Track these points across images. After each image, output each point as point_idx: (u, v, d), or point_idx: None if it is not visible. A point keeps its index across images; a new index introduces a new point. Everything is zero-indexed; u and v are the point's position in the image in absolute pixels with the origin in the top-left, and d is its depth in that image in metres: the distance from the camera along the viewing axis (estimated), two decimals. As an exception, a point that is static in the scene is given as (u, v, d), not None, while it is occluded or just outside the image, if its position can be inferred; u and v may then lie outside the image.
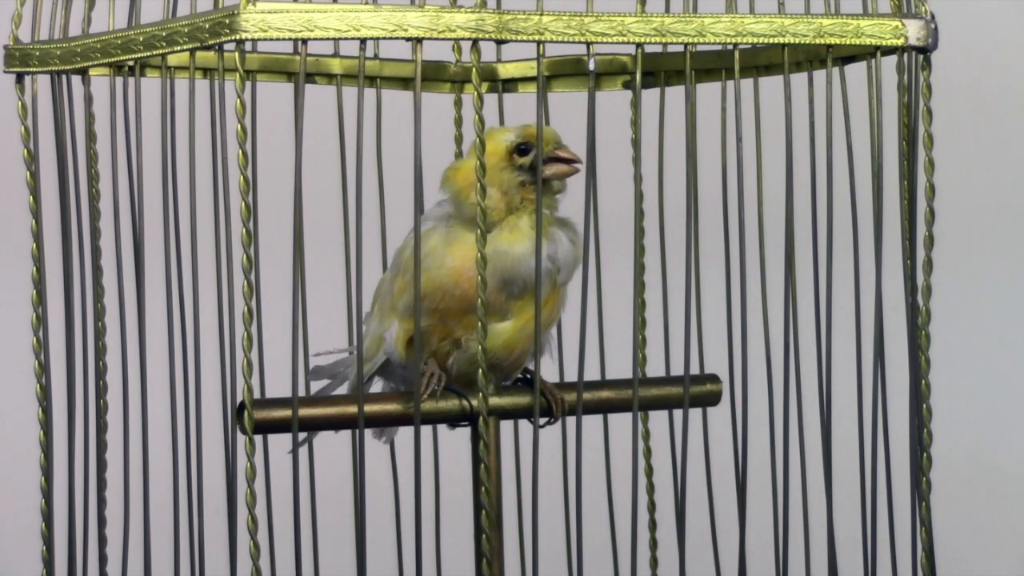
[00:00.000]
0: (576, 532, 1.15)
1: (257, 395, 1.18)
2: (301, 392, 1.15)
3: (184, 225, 1.13)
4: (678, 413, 1.22)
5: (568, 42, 1.10)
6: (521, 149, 1.19)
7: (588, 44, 1.10)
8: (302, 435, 1.21)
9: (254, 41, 1.12)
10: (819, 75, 1.20)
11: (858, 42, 1.16)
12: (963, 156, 1.94)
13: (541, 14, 1.09)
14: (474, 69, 1.08)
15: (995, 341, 2.03)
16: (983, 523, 1.99)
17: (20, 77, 1.21)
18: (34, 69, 1.20)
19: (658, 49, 1.32)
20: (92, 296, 1.22)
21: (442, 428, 1.31)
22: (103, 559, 1.22)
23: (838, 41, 1.15)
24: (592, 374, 1.22)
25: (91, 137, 1.21)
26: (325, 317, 1.28)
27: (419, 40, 1.08)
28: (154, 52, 1.11)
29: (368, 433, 1.22)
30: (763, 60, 1.26)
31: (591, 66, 1.11)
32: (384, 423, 1.21)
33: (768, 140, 1.19)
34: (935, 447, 1.20)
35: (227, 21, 1.06)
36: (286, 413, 1.11)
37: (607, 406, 1.23)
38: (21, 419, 1.46)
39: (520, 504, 1.36)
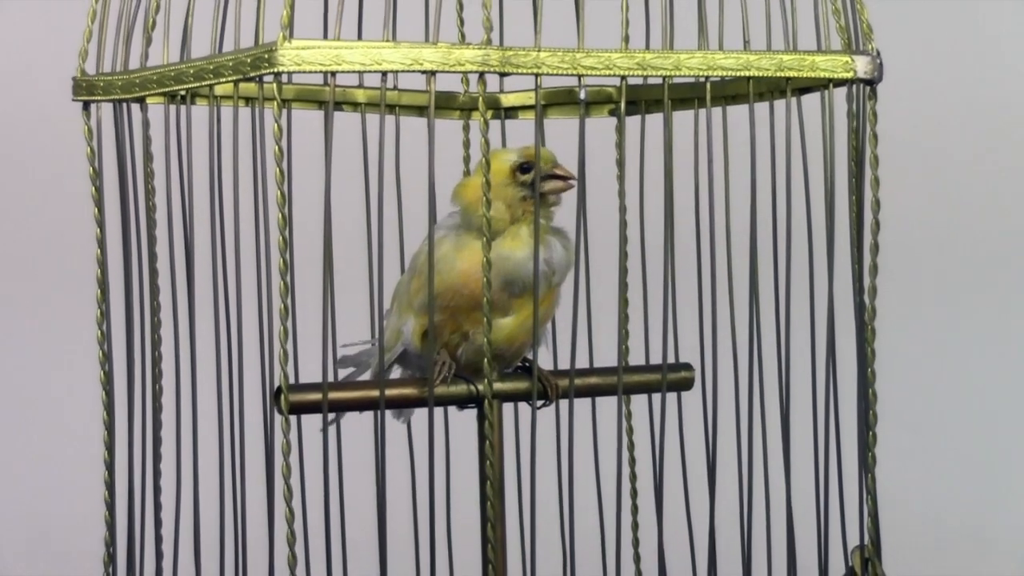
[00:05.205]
0: (568, 499, 1.17)
1: (292, 381, 1.21)
2: (330, 378, 1.16)
3: (229, 233, 1.17)
4: (656, 397, 1.24)
5: (562, 75, 1.12)
6: (523, 168, 1.21)
7: (579, 76, 1.12)
8: (331, 415, 1.21)
9: (290, 73, 1.11)
10: (779, 104, 1.23)
11: (813, 75, 1.18)
12: (906, 174, 1.92)
13: (539, 50, 1.11)
14: (480, 98, 1.12)
15: (937, 337, 2.04)
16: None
17: (86, 105, 1.25)
18: (98, 98, 1.23)
19: (640, 81, 1.33)
20: (149, 295, 1.24)
21: (452, 410, 1.34)
22: (158, 522, 1.25)
23: (796, 74, 1.18)
24: (582, 362, 1.24)
25: (148, 157, 1.24)
26: (351, 313, 1.28)
27: (433, 73, 1.10)
28: (203, 83, 1.14)
29: (389, 414, 1.23)
30: (731, 91, 1.27)
31: (582, 96, 1.14)
32: (402, 405, 1.23)
33: (735, 160, 1.20)
34: (891, 443, 1.23)
35: (266, 56, 1.09)
36: (317, 396, 1.14)
37: (595, 391, 1.26)
38: (86, 401, 1.49)
39: (519, 476, 1.38)
